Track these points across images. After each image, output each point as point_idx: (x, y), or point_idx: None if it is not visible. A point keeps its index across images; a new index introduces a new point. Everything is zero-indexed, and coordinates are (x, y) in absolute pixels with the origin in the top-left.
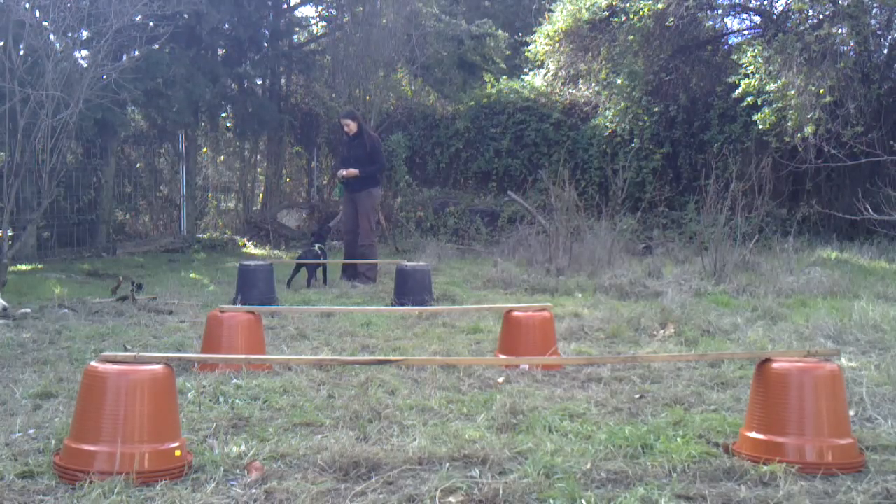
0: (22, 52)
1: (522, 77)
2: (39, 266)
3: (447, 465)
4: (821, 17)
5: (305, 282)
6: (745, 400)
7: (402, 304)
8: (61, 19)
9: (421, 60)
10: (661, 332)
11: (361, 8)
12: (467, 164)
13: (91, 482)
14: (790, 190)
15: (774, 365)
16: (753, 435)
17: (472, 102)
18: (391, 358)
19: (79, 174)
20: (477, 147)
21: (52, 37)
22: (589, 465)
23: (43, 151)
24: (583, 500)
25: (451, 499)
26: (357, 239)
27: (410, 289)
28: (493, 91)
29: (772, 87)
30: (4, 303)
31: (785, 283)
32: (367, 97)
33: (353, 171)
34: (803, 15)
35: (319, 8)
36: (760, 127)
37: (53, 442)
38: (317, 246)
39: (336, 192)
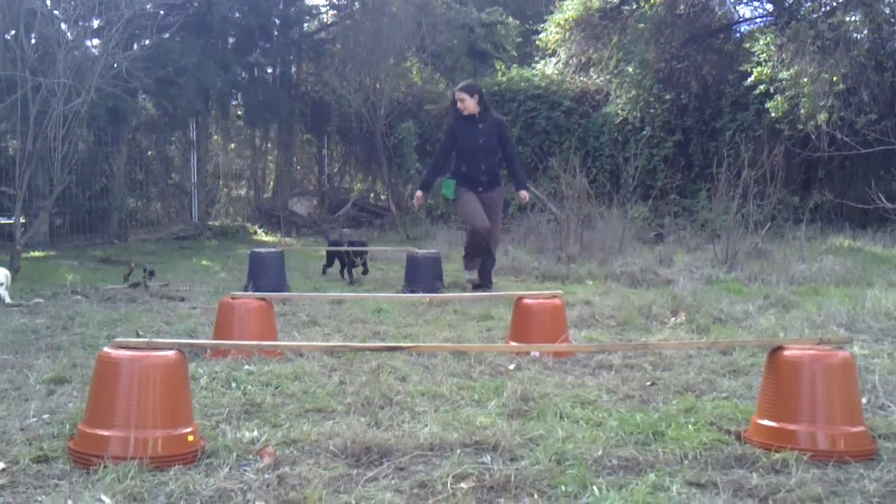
0: (33, 41)
1: (533, 65)
2: (52, 253)
3: (458, 451)
4: (834, 4)
5: (341, 272)
6: (757, 387)
7: (413, 292)
8: (72, 8)
9: (431, 48)
10: (673, 319)
11: None
12: None
13: (105, 467)
14: (802, 178)
15: (786, 353)
16: (765, 422)
17: (483, 90)
18: (402, 345)
19: (90, 162)
20: None
21: (63, 25)
22: (600, 452)
23: (55, 139)
24: (594, 487)
25: (463, 485)
26: (493, 243)
27: (421, 276)
28: (504, 79)
29: (784, 74)
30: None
31: (797, 271)
32: (378, 85)
33: (527, 195)
34: (816, 2)
35: None
36: (773, 115)
37: (67, 427)
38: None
39: (445, 189)
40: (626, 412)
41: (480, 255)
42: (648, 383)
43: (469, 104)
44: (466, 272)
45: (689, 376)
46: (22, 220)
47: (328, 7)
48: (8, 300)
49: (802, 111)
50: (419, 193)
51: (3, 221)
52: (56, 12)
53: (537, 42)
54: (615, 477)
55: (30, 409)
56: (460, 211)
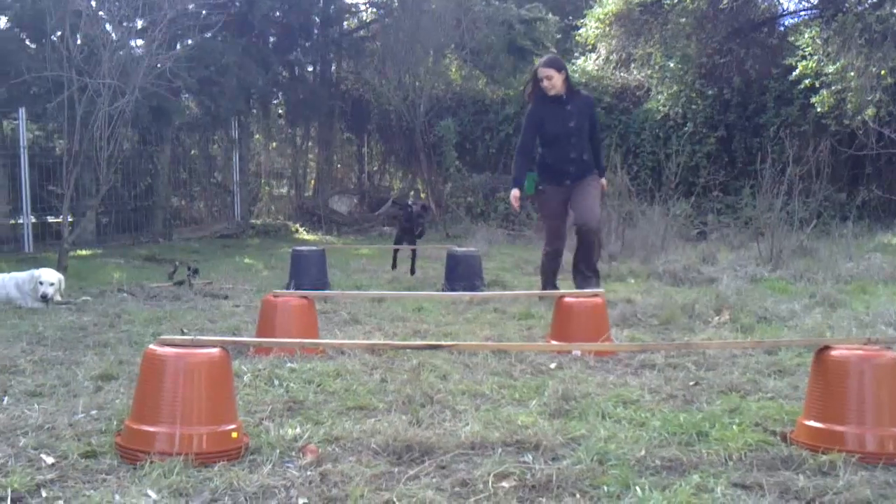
0: (79, 42)
1: (574, 61)
2: (99, 251)
3: (500, 450)
4: None
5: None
6: (803, 388)
7: (453, 290)
8: (117, 9)
9: (470, 45)
10: (716, 318)
11: None
12: None
13: (151, 462)
14: (849, 174)
15: (833, 352)
16: (811, 423)
17: (523, 87)
18: (443, 343)
19: (135, 161)
20: None
21: (108, 26)
22: (643, 452)
23: (100, 139)
24: (636, 487)
25: (504, 484)
26: (592, 228)
27: (461, 274)
28: None
29: (830, 68)
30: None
31: (844, 269)
32: (417, 83)
33: (606, 183)
34: None
35: None
36: (818, 110)
37: (115, 423)
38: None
39: (528, 186)
40: (670, 412)
41: (553, 283)
42: (692, 383)
43: (557, 82)
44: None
45: (733, 376)
46: (69, 219)
47: (367, 5)
48: (58, 299)
49: (849, 106)
50: (516, 192)
51: (51, 220)
52: (101, 13)
53: (577, 38)
54: (658, 477)
55: (78, 405)
56: (542, 217)
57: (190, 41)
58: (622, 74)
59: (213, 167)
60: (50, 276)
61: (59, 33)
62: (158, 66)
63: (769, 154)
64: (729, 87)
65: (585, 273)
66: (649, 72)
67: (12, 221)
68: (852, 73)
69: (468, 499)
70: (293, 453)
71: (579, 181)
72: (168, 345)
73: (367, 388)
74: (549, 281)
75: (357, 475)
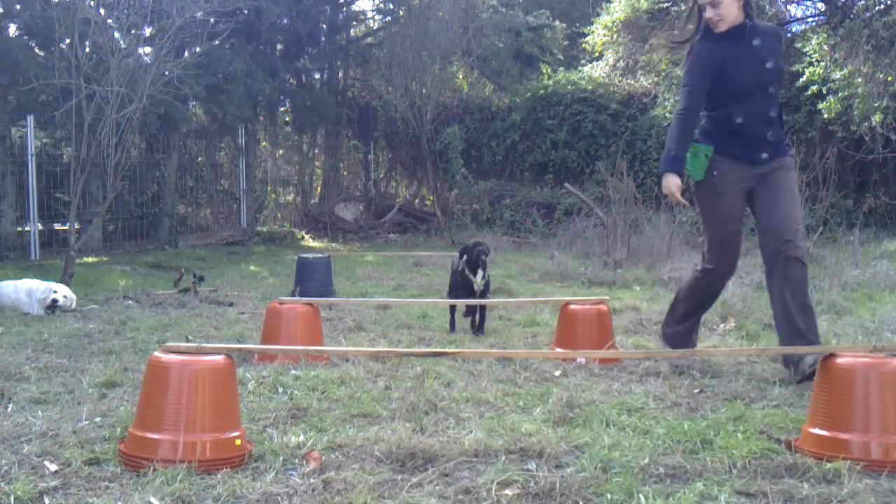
0: (87, 50)
1: (580, 68)
2: (105, 258)
3: (503, 457)
4: (888, 2)
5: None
6: (808, 396)
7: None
8: (125, 17)
9: (477, 52)
10: (722, 325)
11: (417, 1)
12: (523, 156)
13: (155, 469)
14: (856, 181)
15: (839, 360)
16: (817, 431)
17: (529, 94)
18: (447, 350)
19: (142, 168)
20: (533, 139)
21: (116, 34)
22: (647, 460)
23: (108, 146)
24: (640, 495)
25: (508, 491)
26: (792, 252)
27: None
28: (550, 82)
29: (837, 74)
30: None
31: (850, 277)
32: (424, 90)
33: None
34: (870, 1)
35: (376, 1)
36: (825, 116)
37: (119, 430)
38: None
39: (692, 164)
40: (674, 420)
41: (702, 313)
42: (697, 391)
43: (729, 10)
44: (664, 342)
45: (738, 384)
46: (76, 226)
47: (374, 12)
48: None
49: (856, 112)
50: (676, 180)
51: (57, 227)
52: (110, 21)
53: (584, 45)
54: (662, 485)
55: (82, 412)
56: (705, 218)
57: (198, 49)
58: (629, 81)
59: (219, 174)
60: (65, 290)
61: (67, 41)
62: (166, 73)
63: None
64: None
65: (798, 315)
66: (656, 79)
67: (19, 229)
68: (859, 80)
69: None
70: (296, 461)
71: (776, 161)
72: (173, 352)
73: (371, 395)
74: (694, 311)
75: (360, 483)
